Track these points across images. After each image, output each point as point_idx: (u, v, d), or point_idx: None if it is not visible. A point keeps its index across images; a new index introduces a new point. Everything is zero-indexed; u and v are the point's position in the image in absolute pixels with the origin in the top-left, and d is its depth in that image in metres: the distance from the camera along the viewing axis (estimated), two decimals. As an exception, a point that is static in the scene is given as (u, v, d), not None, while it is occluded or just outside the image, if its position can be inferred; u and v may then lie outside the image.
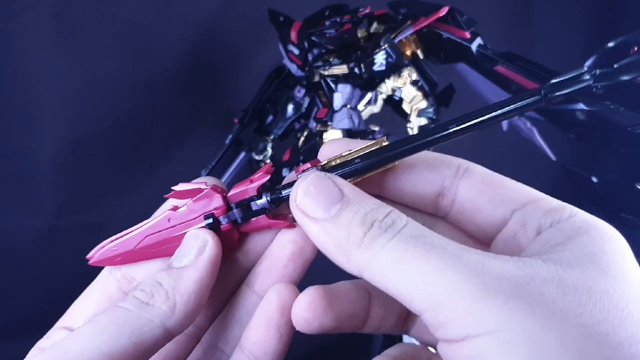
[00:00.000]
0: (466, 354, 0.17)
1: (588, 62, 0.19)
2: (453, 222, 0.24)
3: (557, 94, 0.19)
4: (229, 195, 0.24)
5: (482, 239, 0.23)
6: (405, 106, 0.51)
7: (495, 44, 0.47)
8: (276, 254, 0.24)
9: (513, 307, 0.17)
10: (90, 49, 0.67)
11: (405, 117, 0.51)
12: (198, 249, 0.22)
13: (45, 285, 0.68)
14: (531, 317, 0.17)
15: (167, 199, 0.24)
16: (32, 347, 0.23)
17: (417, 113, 0.50)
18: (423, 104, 0.50)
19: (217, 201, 0.23)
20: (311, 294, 0.23)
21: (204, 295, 0.22)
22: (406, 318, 0.25)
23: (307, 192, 0.21)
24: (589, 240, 0.19)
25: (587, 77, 0.19)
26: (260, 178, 0.23)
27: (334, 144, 0.23)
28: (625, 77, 0.18)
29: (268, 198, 0.23)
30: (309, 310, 0.22)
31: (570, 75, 0.19)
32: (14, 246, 0.68)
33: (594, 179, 0.46)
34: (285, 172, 0.54)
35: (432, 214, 0.24)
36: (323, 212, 0.20)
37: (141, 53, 0.69)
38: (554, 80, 0.19)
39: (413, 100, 0.50)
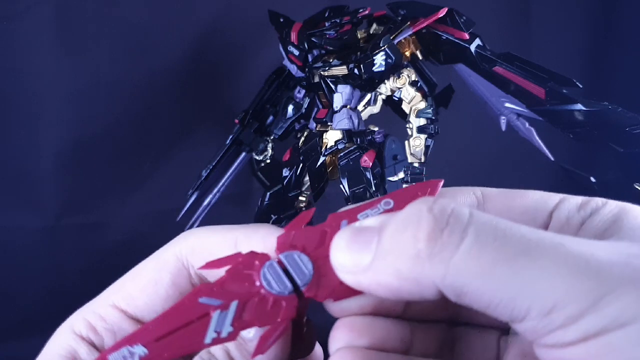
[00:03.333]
0: (592, 353, 0.16)
1: None
2: None
3: None
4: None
5: None
6: (405, 107, 0.51)
7: (494, 44, 0.48)
8: None
9: None
10: (91, 49, 0.67)
11: (404, 117, 0.52)
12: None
13: (46, 285, 0.69)
14: None
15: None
16: (34, 345, 0.21)
17: (416, 113, 0.50)
18: (422, 104, 0.50)
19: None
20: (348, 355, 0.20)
21: None
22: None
23: (338, 250, 0.18)
24: (636, 216, 0.19)
25: None
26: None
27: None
28: None
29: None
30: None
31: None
32: (15, 246, 0.68)
33: (593, 179, 0.46)
34: (285, 171, 0.54)
35: None
36: (364, 255, 0.17)
37: (142, 53, 0.69)
38: None
39: (412, 100, 0.51)
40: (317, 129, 0.53)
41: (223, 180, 0.58)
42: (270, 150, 0.57)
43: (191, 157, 0.69)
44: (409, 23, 0.48)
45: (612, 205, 0.20)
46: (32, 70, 0.66)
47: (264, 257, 0.20)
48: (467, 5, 0.49)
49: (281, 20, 0.55)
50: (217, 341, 0.18)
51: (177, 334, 0.17)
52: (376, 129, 0.52)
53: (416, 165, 0.50)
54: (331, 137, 0.52)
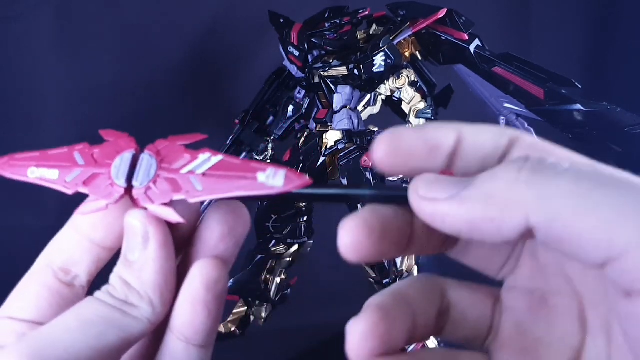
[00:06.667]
0: None
1: None
2: None
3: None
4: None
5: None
6: (404, 107, 0.51)
7: (494, 45, 0.48)
8: (205, 236, 0.22)
9: None
10: (92, 50, 0.67)
11: (404, 117, 0.52)
12: (142, 239, 0.21)
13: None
14: None
15: None
16: None
17: (416, 114, 0.50)
18: (422, 105, 0.51)
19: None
20: (354, 229, 0.20)
21: (171, 279, 0.21)
22: (445, 242, 0.23)
23: (429, 181, 0.19)
24: None
25: None
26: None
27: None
28: None
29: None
30: (356, 248, 0.20)
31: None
32: (16, 246, 0.68)
33: (592, 179, 0.46)
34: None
35: None
36: (455, 189, 0.18)
37: (143, 54, 0.69)
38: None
39: (412, 101, 0.51)
40: (317, 129, 0.53)
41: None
42: (270, 151, 0.57)
43: (192, 157, 0.69)
44: (408, 24, 0.48)
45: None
46: (32, 70, 0.66)
47: (131, 146, 0.23)
48: (467, 5, 0.49)
49: (281, 20, 0.55)
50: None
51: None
52: (376, 129, 0.52)
53: (416, 165, 0.50)
54: (331, 137, 0.52)
